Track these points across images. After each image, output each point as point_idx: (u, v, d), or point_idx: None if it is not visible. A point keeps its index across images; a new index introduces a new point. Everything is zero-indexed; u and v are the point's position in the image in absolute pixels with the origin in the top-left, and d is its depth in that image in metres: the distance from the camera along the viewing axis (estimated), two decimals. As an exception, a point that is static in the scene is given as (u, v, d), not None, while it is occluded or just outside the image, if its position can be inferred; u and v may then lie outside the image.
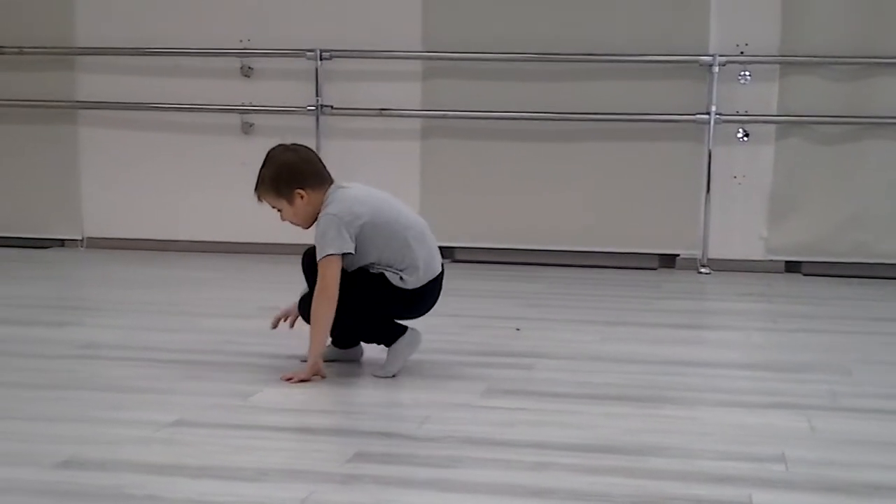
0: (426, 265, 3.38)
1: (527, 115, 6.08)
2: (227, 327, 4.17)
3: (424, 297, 3.43)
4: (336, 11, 6.18)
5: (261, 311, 4.13)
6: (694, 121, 5.96)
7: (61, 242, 6.62)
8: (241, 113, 6.30)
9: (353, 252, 3.30)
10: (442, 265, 3.47)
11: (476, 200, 6.22)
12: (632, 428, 2.86)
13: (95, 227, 6.56)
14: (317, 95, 6.16)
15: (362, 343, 3.58)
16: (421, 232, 3.41)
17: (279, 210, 3.39)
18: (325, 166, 3.44)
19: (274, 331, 3.56)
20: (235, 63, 6.26)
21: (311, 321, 3.30)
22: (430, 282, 3.41)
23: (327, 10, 6.19)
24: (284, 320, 3.55)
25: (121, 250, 6.47)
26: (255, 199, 3.41)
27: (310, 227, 3.40)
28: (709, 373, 3.58)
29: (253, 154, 6.40)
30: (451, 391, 3.23)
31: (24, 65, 6.40)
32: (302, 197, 3.33)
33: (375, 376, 3.40)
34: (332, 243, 3.25)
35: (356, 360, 3.58)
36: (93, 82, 6.42)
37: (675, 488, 2.37)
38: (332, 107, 6.18)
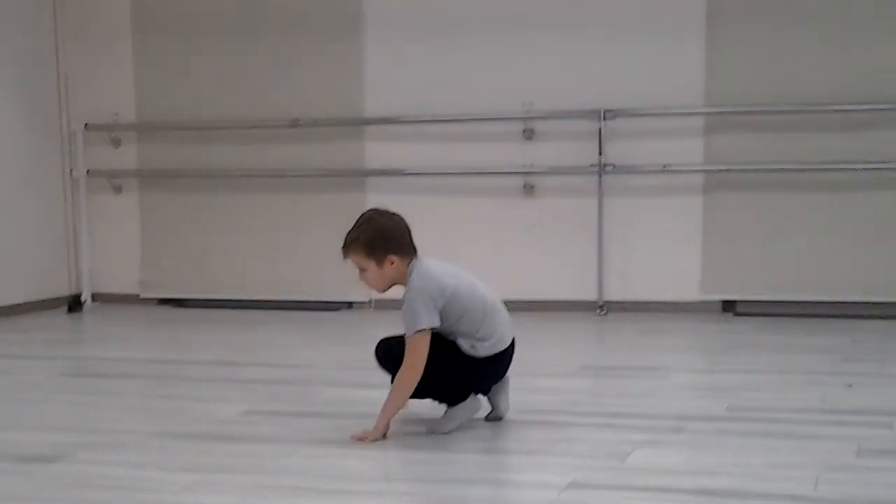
0: (499, 336, 3.49)
1: (811, 167, 6.01)
2: (559, 387, 4.28)
3: (491, 367, 3.53)
4: (618, 70, 6.27)
5: (582, 370, 4.22)
6: None
7: (349, 304, 6.88)
8: (522, 175, 6.45)
9: (439, 325, 3.40)
10: (513, 338, 3.56)
11: (759, 253, 6.18)
12: None
13: (383, 290, 6.77)
14: (599, 155, 6.24)
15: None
16: (493, 305, 3.53)
17: (362, 269, 3.47)
18: (412, 238, 3.50)
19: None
20: (518, 126, 6.42)
21: (393, 389, 3.42)
22: (500, 353, 3.51)
23: (609, 69, 6.29)
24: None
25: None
26: (341, 255, 3.48)
27: (385, 290, 3.52)
28: None
29: (535, 216, 6.55)
30: (822, 451, 3.21)
31: (317, 137, 6.73)
32: (392, 263, 3.43)
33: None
34: (423, 318, 3.36)
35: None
36: (380, 151, 6.70)
37: None
38: (613, 165, 6.26)
